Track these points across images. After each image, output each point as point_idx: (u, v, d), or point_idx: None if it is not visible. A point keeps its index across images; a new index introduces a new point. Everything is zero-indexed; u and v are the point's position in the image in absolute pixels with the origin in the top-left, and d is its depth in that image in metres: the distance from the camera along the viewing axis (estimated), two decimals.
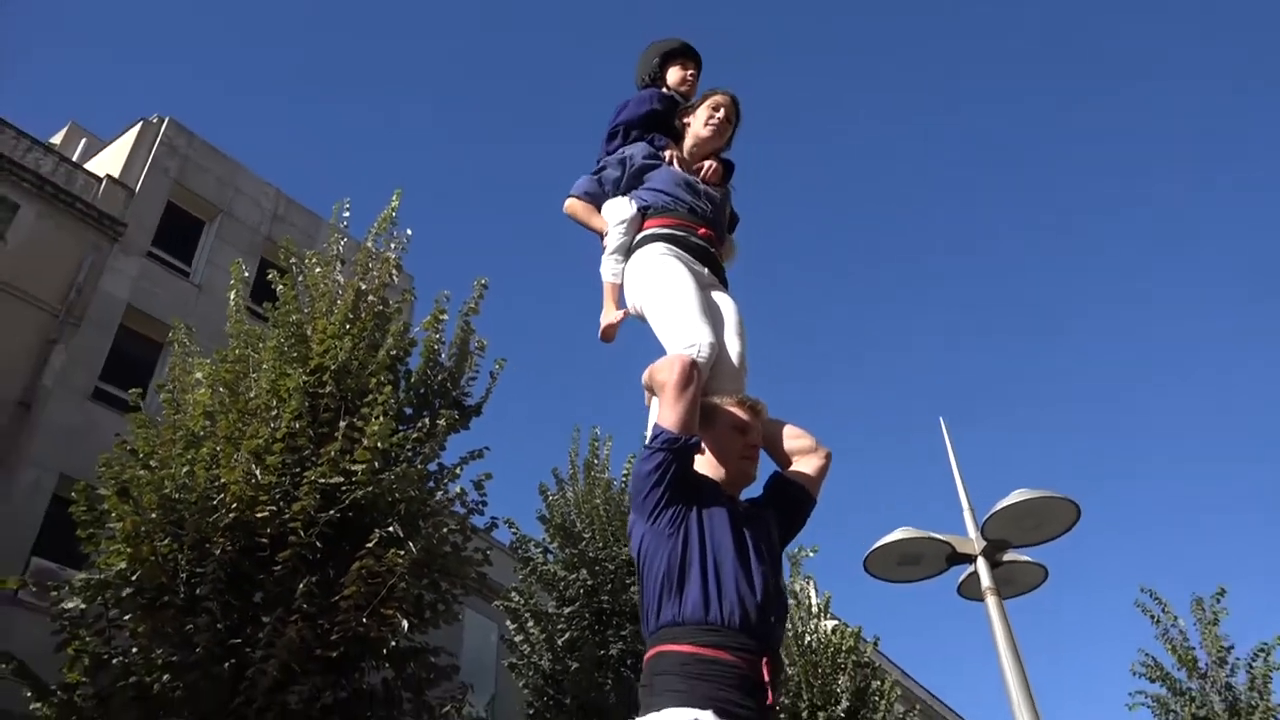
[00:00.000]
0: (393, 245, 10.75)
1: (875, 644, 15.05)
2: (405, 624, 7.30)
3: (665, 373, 2.43)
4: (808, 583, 15.60)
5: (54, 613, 7.36)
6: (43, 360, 12.59)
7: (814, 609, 14.68)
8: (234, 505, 7.55)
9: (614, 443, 14.43)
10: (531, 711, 12.11)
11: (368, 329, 9.69)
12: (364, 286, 10.18)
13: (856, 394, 72.99)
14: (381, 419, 8.24)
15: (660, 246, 3.02)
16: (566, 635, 12.46)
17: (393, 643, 7.47)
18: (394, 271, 10.55)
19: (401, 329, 9.98)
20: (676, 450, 2.33)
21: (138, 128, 16.62)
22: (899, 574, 7.76)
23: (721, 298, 3.07)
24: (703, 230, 3.12)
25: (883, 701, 13.78)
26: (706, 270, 3.06)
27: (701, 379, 2.51)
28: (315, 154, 59.81)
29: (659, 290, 2.92)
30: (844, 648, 13.91)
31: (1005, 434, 70.53)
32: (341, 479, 8.03)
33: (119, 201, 15.05)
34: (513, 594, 13.21)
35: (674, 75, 3.54)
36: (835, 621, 14.88)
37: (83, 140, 19.58)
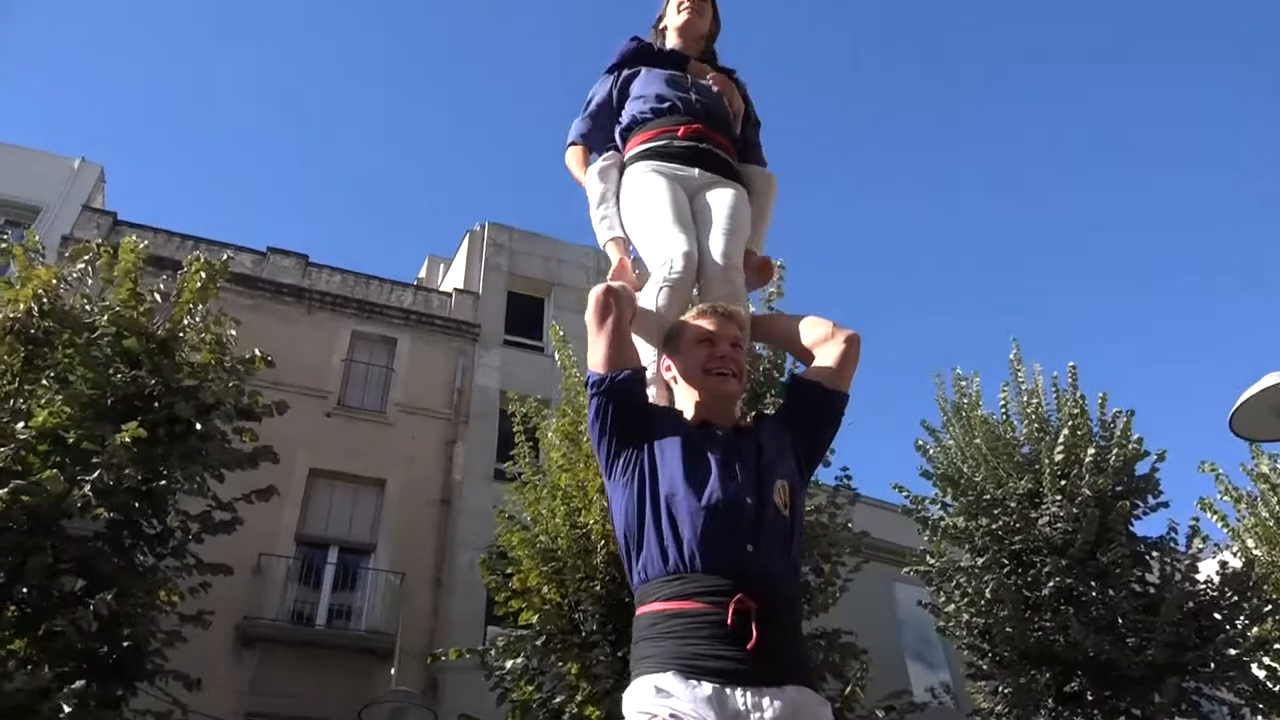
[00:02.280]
0: None
1: None
2: None
3: (587, 311, 2.20)
4: None
5: (490, 671, 8.36)
6: (449, 459, 14.52)
7: None
8: (600, 543, 8.10)
9: (982, 377, 13.48)
10: (972, 670, 11.51)
11: None
12: None
13: None
14: None
15: (638, 167, 2.78)
16: (991, 585, 11.71)
17: None
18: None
19: None
20: (605, 391, 2.08)
21: (467, 239, 18.75)
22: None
23: (717, 195, 2.72)
24: (685, 128, 2.80)
25: None
26: (697, 171, 2.75)
27: (624, 306, 2.21)
28: None
29: (634, 214, 2.70)
30: None
31: None
32: None
33: (469, 306, 17.03)
34: (927, 557, 12.73)
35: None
36: None
37: (440, 265, 22.45)
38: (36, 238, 8.14)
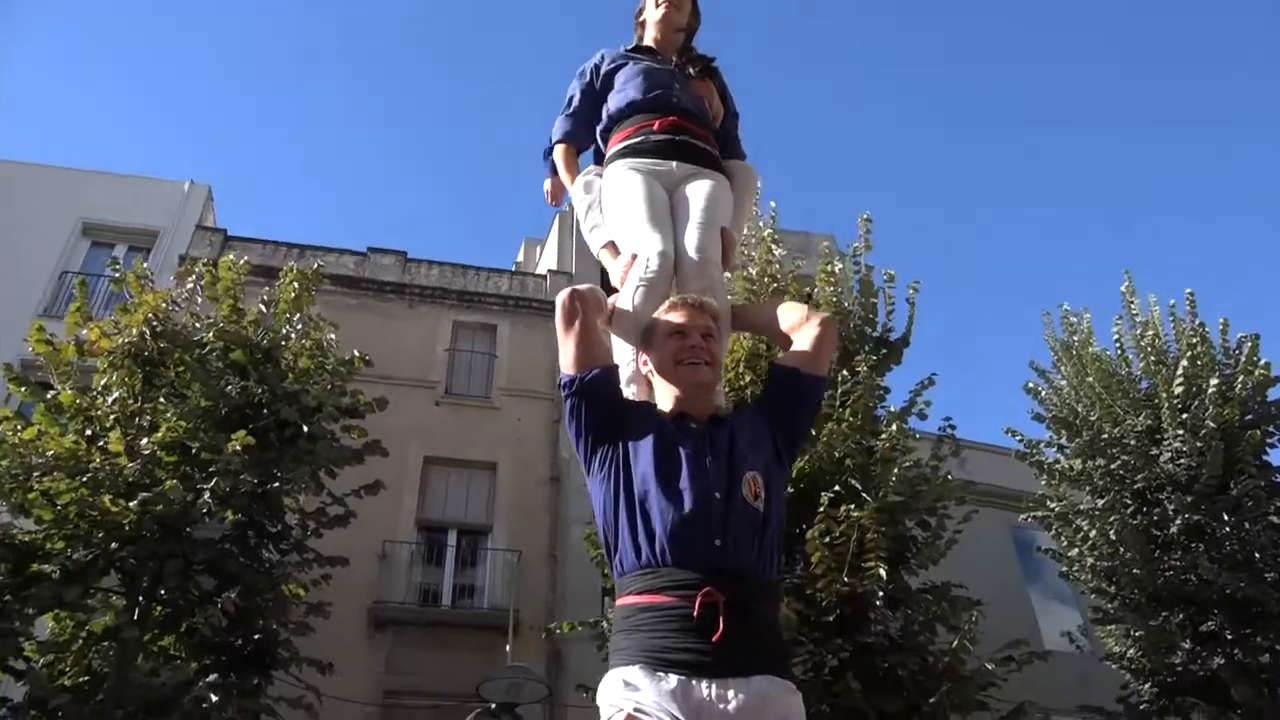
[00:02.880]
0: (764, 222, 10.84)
1: None
2: (883, 571, 7.21)
3: (555, 315, 2.24)
4: None
5: (604, 642, 8.60)
6: (555, 438, 14.85)
7: None
8: None
9: (1091, 312, 12.95)
10: (1099, 615, 11.18)
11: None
12: (753, 272, 10.43)
13: None
14: None
15: (616, 165, 2.78)
16: (1115, 527, 11.31)
17: (880, 592, 7.42)
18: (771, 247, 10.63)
19: (797, 294, 10.02)
20: (577, 391, 2.12)
21: (557, 221, 18.98)
22: None
23: (695, 187, 2.71)
24: (660, 122, 2.80)
25: None
26: (674, 164, 2.74)
27: (589, 307, 2.25)
28: None
29: (613, 214, 2.71)
30: None
31: None
32: None
33: (564, 287, 17.26)
34: (1047, 501, 12.38)
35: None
36: None
37: (537, 247, 22.79)
38: (145, 265, 8.69)
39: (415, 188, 70.80)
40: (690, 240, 2.56)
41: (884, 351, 10.04)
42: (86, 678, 6.79)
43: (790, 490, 8.11)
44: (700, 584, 1.79)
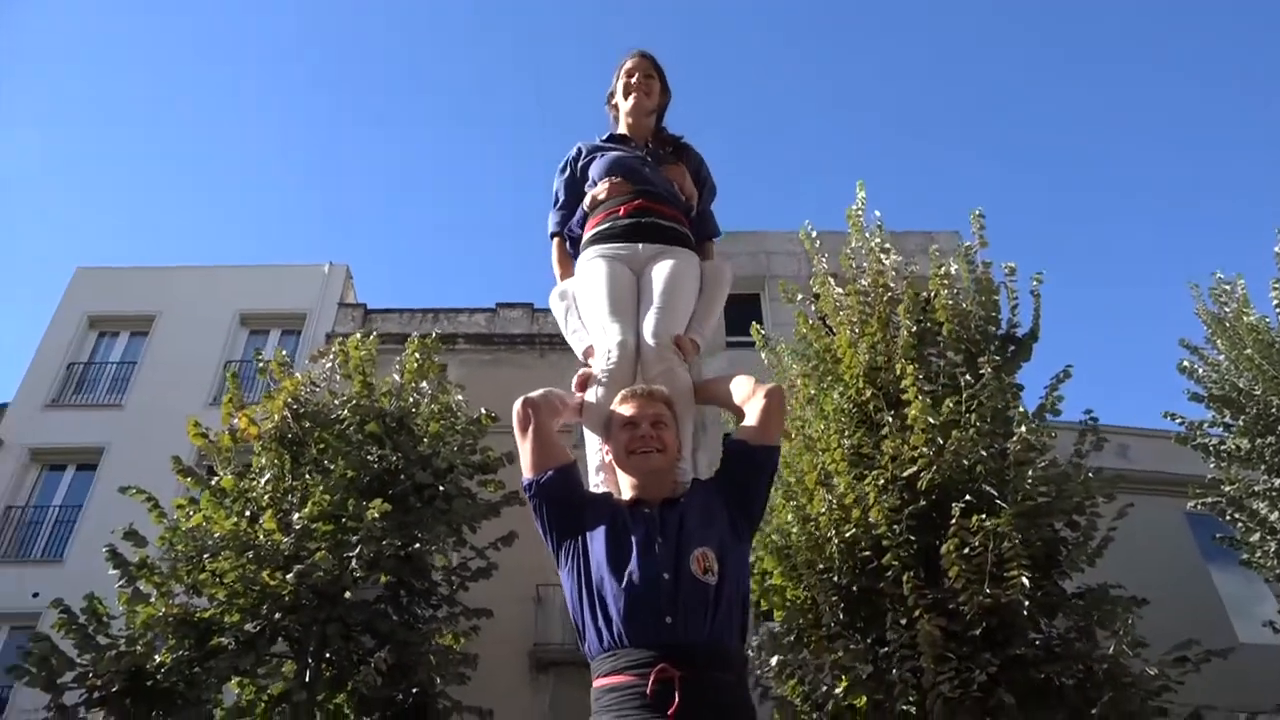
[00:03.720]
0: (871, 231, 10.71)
1: None
2: (1025, 579, 6.96)
3: (513, 421, 2.38)
4: None
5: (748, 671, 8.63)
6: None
7: None
8: (830, 533, 8.12)
9: (1246, 278, 12.12)
10: None
11: (883, 317, 9.74)
12: (864, 284, 10.32)
13: None
14: (918, 398, 8.20)
15: (586, 254, 2.89)
16: None
17: (1025, 600, 7.15)
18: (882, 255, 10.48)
19: (912, 300, 9.85)
20: (536, 494, 2.28)
21: None
22: None
23: (659, 268, 2.77)
24: (626, 207, 2.88)
25: None
26: (640, 246, 2.81)
27: (540, 413, 2.36)
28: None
29: (582, 306, 2.81)
30: None
31: None
32: (913, 468, 8.12)
33: None
34: (1221, 485, 11.58)
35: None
36: None
37: None
38: (283, 352, 9.41)
39: (539, 235, 72.83)
40: (648, 326, 2.65)
41: (1012, 349, 9.71)
42: None
43: (921, 504, 7.95)
44: (654, 661, 1.92)
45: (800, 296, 11.08)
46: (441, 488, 8.05)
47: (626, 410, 2.34)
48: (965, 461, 8.07)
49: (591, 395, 2.59)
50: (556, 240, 3.23)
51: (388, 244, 69.04)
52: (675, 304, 2.72)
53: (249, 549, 7.28)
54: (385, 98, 67.41)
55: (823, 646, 7.94)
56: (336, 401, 8.51)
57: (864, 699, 7.57)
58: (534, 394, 2.45)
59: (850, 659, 7.42)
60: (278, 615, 7.00)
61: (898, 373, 8.71)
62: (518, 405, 2.39)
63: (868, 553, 7.95)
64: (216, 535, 7.25)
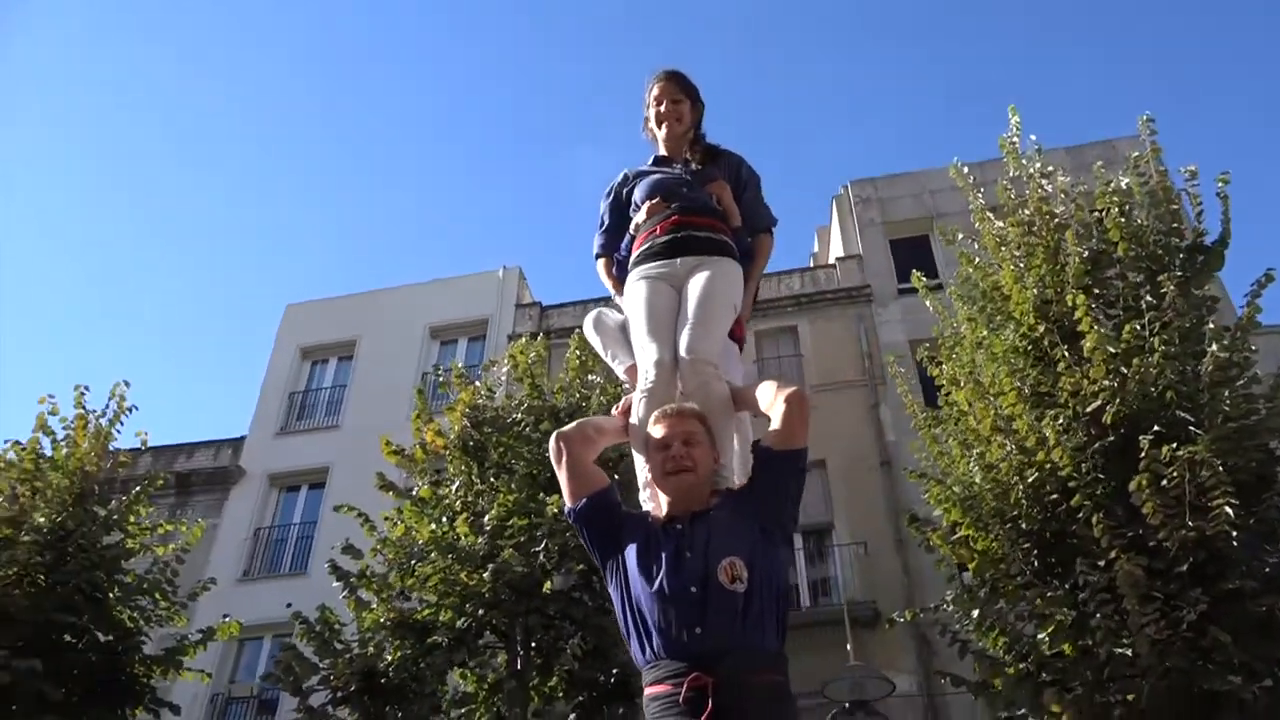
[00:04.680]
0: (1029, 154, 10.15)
1: None
2: (1229, 509, 6.48)
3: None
4: None
5: (944, 627, 8.48)
6: (877, 423, 14.76)
7: None
8: (1014, 479, 7.85)
9: None
10: None
11: (1050, 246, 9.26)
12: (1027, 213, 9.82)
13: None
14: (1093, 328, 7.78)
15: (631, 276, 2.94)
16: None
17: (1234, 531, 6.65)
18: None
19: (1081, 223, 9.30)
20: (576, 521, 2.41)
21: (834, 206, 18.85)
22: None
23: (695, 282, 2.81)
24: (663, 225, 2.94)
25: None
26: (679, 260, 2.86)
27: (574, 445, 2.46)
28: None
29: (630, 331, 2.87)
30: None
31: None
32: (1096, 402, 7.72)
33: (855, 270, 17.12)
34: None
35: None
36: None
37: (829, 234, 22.70)
38: (460, 364, 10.04)
39: None
40: (682, 341, 2.73)
41: (1200, 260, 8.98)
42: None
43: (1109, 439, 7.52)
44: (688, 670, 2.04)
45: (961, 236, 10.68)
46: (616, 476, 8.37)
47: (659, 431, 2.44)
48: (1153, 389, 7.57)
49: (634, 415, 2.70)
50: (602, 260, 3.35)
51: (556, 242, 71.13)
52: (708, 317, 2.78)
53: (451, 551, 7.88)
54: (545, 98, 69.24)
55: (1019, 596, 7.71)
56: (512, 404, 9.02)
57: (1069, 645, 7.31)
58: (567, 427, 2.59)
59: (1048, 606, 7.17)
60: (481, 612, 7.58)
61: (1070, 304, 8.26)
62: (551, 441, 2.55)
63: (1055, 496, 7.63)
64: (420, 542, 7.90)
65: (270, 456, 17.75)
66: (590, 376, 9.23)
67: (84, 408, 10.33)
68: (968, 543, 8.19)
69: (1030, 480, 7.76)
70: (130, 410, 10.62)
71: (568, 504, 2.51)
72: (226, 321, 62.88)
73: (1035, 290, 8.77)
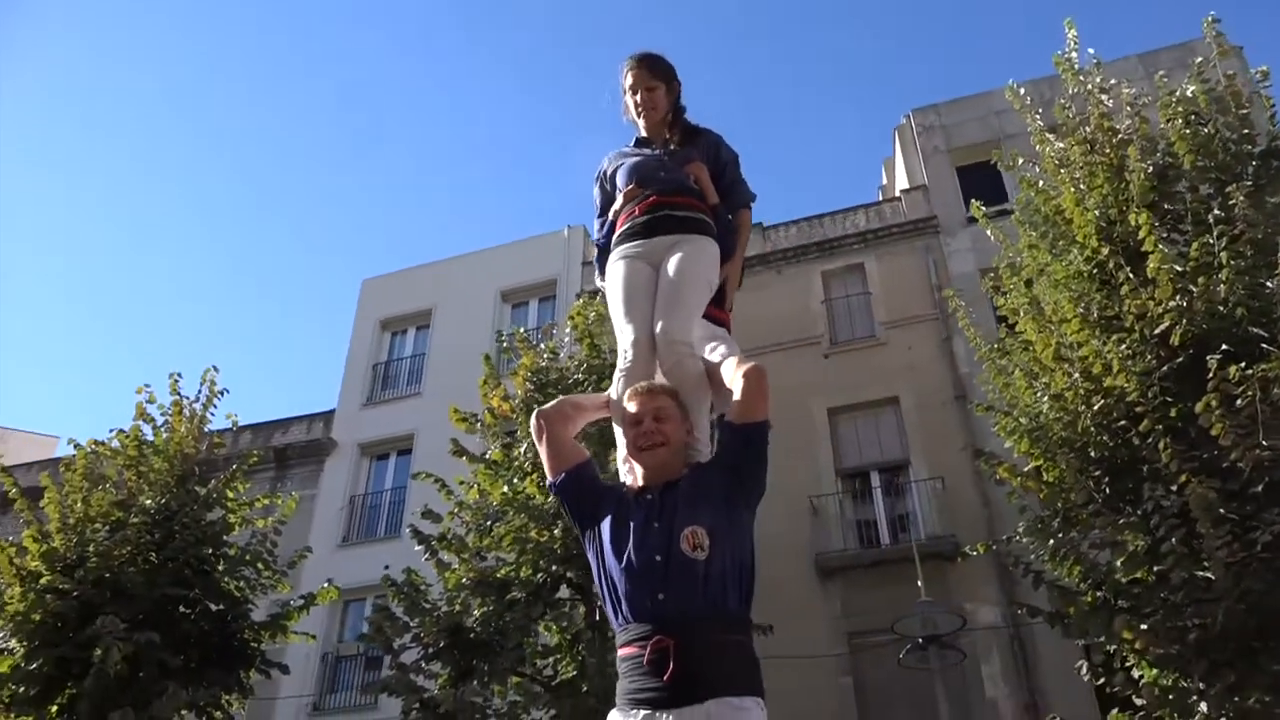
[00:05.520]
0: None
1: None
2: None
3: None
4: None
5: (1016, 560, 8.45)
6: (949, 356, 14.56)
7: None
8: (1080, 406, 7.75)
9: None
10: None
11: (1112, 164, 8.98)
12: (1088, 130, 9.51)
13: None
14: (1157, 247, 7.57)
15: (612, 257, 3.03)
16: None
17: None
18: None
19: (1144, 138, 8.98)
20: (557, 493, 2.58)
21: (897, 136, 18.41)
22: None
23: (671, 261, 2.85)
24: (641, 206, 2.99)
25: None
26: (657, 239, 2.92)
27: (552, 422, 2.59)
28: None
29: (609, 311, 2.95)
30: None
31: None
32: (1163, 324, 7.54)
33: (921, 202, 16.76)
34: None
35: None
36: None
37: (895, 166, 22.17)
38: (521, 329, 10.26)
39: (763, 143, 71.46)
40: (657, 321, 2.80)
41: (1275, 166, 8.61)
42: (574, 672, 8.32)
43: (1178, 361, 7.34)
44: (651, 634, 2.18)
45: (1021, 160, 10.43)
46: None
47: (632, 408, 2.55)
48: (1221, 307, 7.34)
49: (613, 393, 2.81)
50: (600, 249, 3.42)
51: None
52: (682, 297, 2.84)
53: (524, 510, 8.18)
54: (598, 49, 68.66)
55: (1090, 524, 7.64)
56: (574, 365, 9.23)
57: (1143, 572, 7.23)
58: (546, 406, 2.72)
59: (1120, 533, 7.11)
60: (555, 567, 7.88)
61: (1133, 223, 8.02)
62: (532, 419, 2.69)
63: (1123, 422, 7.51)
64: (495, 504, 8.22)
65: (359, 427, 18.45)
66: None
67: (179, 394, 10.91)
68: (1038, 474, 8.14)
69: (1097, 407, 7.66)
70: (222, 394, 11.19)
71: (549, 478, 2.66)
72: (308, 300, 64.83)
73: (1098, 212, 8.56)
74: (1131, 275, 7.85)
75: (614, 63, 3.42)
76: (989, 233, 10.26)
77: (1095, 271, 8.50)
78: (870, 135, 65.88)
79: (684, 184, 3.10)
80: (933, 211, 16.39)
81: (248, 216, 67.00)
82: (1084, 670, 8.16)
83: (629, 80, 3.26)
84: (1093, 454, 7.75)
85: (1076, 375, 7.84)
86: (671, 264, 2.91)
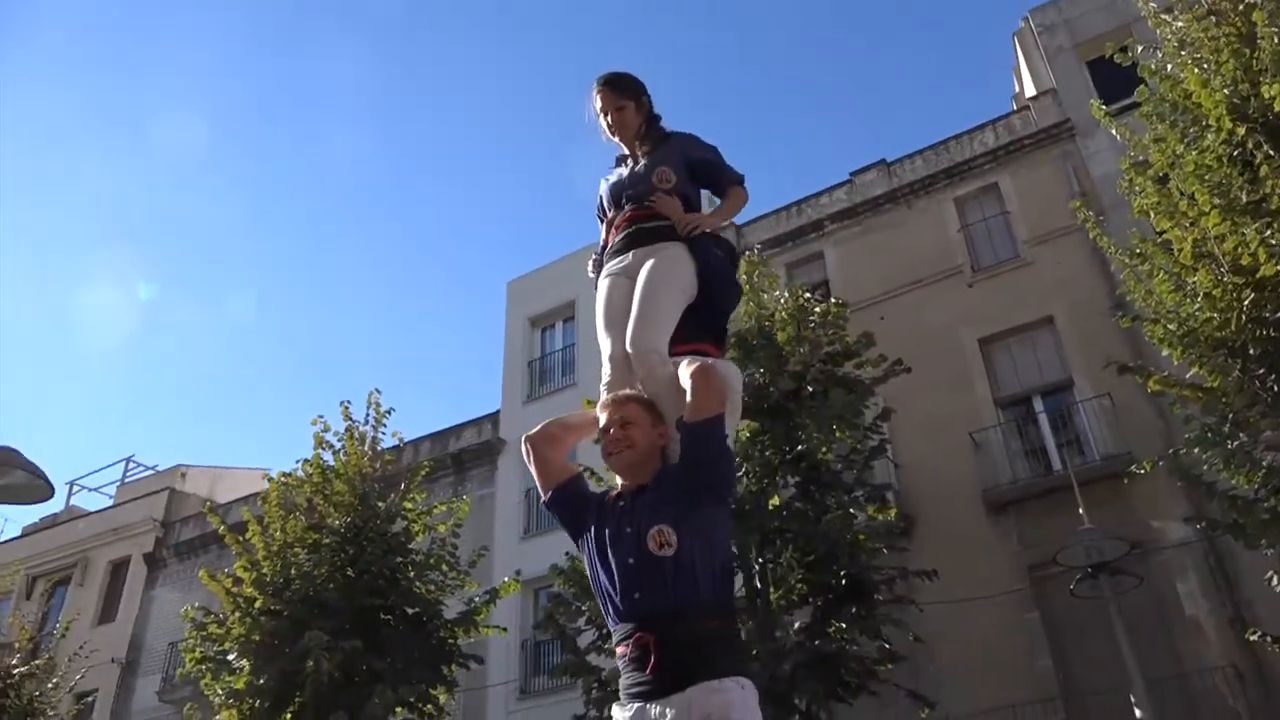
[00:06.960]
0: None
1: None
2: None
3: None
4: None
5: (1184, 470, 8.02)
6: (1102, 266, 13.73)
7: None
8: (1230, 303, 7.27)
9: None
10: None
11: (1241, 33, 8.31)
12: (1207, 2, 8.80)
13: None
14: None
15: (599, 280, 3.15)
16: None
17: None
18: None
19: None
20: (550, 508, 2.75)
21: (1017, 41, 17.42)
22: None
23: (641, 275, 2.94)
24: (618, 227, 3.10)
25: None
26: (631, 254, 3.01)
27: (540, 445, 2.79)
28: None
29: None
30: None
31: None
32: None
33: (1051, 107, 15.83)
34: None
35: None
36: None
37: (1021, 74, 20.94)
38: None
39: (897, 76, 68.50)
40: (628, 336, 2.90)
41: None
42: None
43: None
44: (634, 632, 2.37)
45: (1141, 48, 9.76)
46: (811, 388, 8.56)
47: (601, 419, 2.72)
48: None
49: (599, 408, 2.93)
50: None
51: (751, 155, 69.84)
52: (648, 309, 2.92)
53: None
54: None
55: (1258, 427, 7.17)
56: None
57: None
58: (533, 430, 2.87)
59: None
60: None
61: (1267, 96, 7.41)
62: (521, 443, 2.87)
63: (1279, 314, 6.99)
64: None
65: (523, 423, 19.04)
66: (763, 295, 9.39)
67: (350, 419, 11.80)
68: (1194, 384, 7.69)
69: (1249, 301, 7.16)
70: (388, 413, 12.04)
71: (543, 497, 2.84)
72: (466, 309, 67.62)
73: (1227, 90, 7.92)
74: (1272, 154, 7.27)
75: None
76: (1113, 131, 9.66)
77: (1236, 154, 7.90)
78: (992, 49, 62.17)
79: (652, 192, 3.15)
80: (1065, 115, 15.45)
81: (399, 243, 70.47)
82: (1275, 582, 7.68)
83: (597, 104, 3.33)
84: (1252, 351, 7.25)
85: (1224, 270, 7.35)
86: (641, 276, 3.01)
